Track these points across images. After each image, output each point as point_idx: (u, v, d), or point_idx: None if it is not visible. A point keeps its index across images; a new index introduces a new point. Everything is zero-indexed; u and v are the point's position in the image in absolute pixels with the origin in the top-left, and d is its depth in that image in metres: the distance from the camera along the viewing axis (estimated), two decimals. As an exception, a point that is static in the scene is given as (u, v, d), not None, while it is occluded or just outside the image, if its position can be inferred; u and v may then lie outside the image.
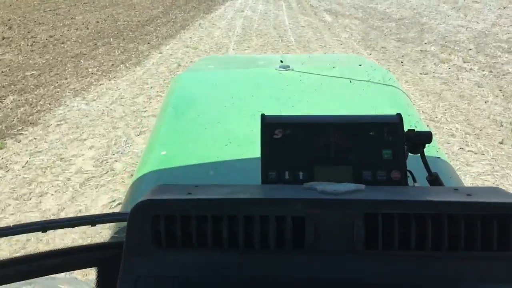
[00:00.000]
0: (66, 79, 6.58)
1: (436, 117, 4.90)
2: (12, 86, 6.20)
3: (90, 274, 0.89)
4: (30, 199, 3.41)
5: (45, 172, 3.82)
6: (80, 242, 2.64)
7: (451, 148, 4.13)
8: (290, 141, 0.84)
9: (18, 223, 0.77)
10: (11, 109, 5.33)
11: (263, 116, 0.86)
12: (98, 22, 11.35)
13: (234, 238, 0.65)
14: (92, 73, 6.87)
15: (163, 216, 0.66)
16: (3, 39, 9.02)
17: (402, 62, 7.36)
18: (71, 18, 11.73)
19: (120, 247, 0.68)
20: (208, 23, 11.89)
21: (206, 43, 9.23)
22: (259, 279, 0.64)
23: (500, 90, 5.72)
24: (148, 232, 0.66)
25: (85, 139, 4.45)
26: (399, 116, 0.86)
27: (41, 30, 10.12)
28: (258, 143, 0.85)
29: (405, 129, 0.86)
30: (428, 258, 0.63)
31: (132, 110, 5.25)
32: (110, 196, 3.41)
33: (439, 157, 1.39)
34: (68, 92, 5.95)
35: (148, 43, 9.14)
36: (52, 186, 3.59)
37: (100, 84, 6.33)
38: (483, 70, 6.63)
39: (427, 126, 3.18)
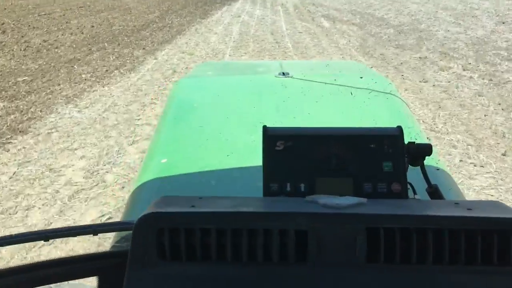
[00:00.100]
0: (59, 85, 6.44)
1: (436, 127, 4.79)
2: (3, 92, 6.05)
3: (92, 282, 0.87)
4: (16, 213, 3.26)
5: (33, 183, 3.67)
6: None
7: (452, 160, 4.02)
8: (292, 153, 0.85)
9: (20, 232, 0.77)
10: (0, 116, 5.18)
11: (265, 128, 0.87)
12: (93, 26, 11.22)
13: (237, 251, 0.66)
14: (85, 79, 6.73)
15: (167, 229, 0.66)
16: (-4, 44, 8.89)
17: (401, 69, 7.27)
18: (66, 22, 11.59)
19: (122, 256, 0.68)
20: (204, 28, 11.78)
21: (202, 49, 9.11)
22: None
23: (501, 99, 5.62)
24: (152, 245, 0.66)
25: (76, 149, 4.31)
26: (399, 129, 0.86)
27: (35, 34, 9.98)
28: (258, 153, 0.85)
29: (406, 141, 0.87)
30: (429, 272, 0.64)
31: (125, 118, 5.11)
32: (99, 210, 3.27)
33: (439, 169, 1.39)
34: (60, 99, 5.80)
35: (144, 49, 9.02)
36: (40, 199, 3.44)
37: (94, 91, 6.19)
38: (483, 78, 6.54)
39: (428, 138, 3.07)
